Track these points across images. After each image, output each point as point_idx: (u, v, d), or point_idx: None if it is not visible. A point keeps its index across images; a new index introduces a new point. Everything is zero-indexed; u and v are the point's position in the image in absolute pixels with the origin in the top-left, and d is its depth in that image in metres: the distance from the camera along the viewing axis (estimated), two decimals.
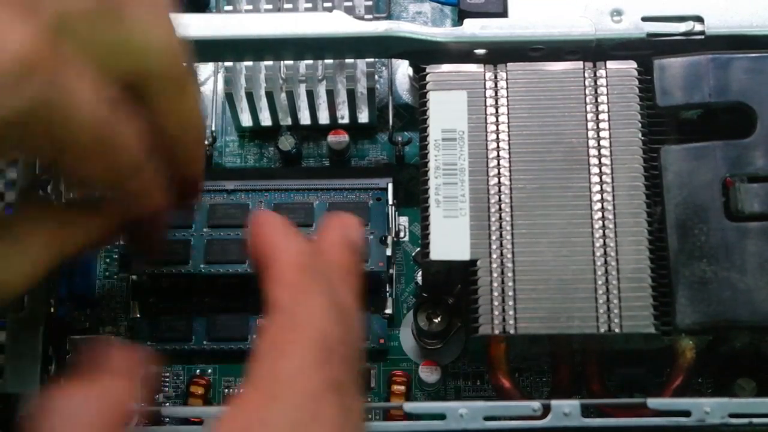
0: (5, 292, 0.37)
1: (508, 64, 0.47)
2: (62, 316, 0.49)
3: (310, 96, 0.51)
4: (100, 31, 0.35)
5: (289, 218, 0.50)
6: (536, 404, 0.42)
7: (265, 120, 0.53)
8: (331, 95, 0.51)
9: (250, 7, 0.51)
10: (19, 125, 0.32)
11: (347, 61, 0.51)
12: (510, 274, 0.44)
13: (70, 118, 0.33)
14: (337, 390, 0.33)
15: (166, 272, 0.50)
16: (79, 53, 0.34)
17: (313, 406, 0.32)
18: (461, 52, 0.47)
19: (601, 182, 0.45)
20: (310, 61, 0.51)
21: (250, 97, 0.51)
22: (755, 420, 0.42)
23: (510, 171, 0.46)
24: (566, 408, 0.42)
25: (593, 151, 0.46)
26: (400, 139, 0.53)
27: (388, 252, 0.50)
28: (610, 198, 0.45)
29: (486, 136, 0.46)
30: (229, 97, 0.52)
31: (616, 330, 0.44)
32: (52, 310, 0.48)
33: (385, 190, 0.51)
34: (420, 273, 0.50)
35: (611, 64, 0.47)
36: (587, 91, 0.46)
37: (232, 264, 0.50)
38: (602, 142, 0.46)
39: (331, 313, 0.34)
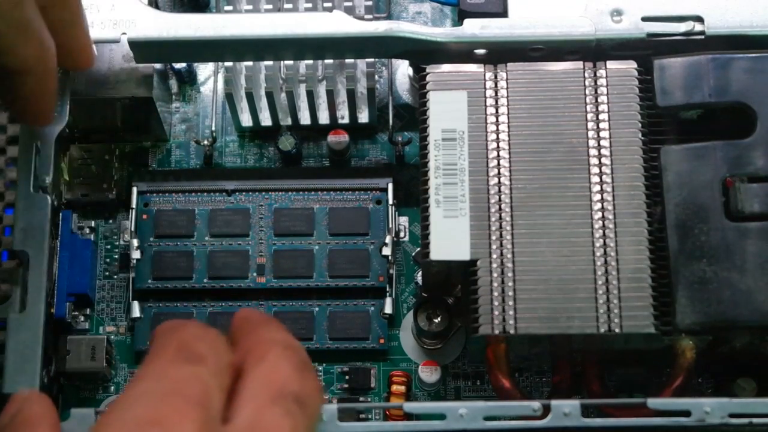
0: None
1: (508, 64, 0.47)
2: (62, 316, 0.49)
3: (310, 96, 0.51)
4: None
5: (289, 225, 0.51)
6: (536, 404, 0.42)
7: (265, 120, 0.53)
8: (331, 95, 0.51)
9: (250, 7, 0.51)
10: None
11: (347, 61, 0.51)
12: (510, 274, 0.44)
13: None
14: None
15: (171, 288, 0.50)
16: None
17: None
18: (461, 52, 0.47)
19: (601, 182, 0.45)
20: (310, 61, 0.51)
21: (250, 97, 0.51)
22: (755, 420, 0.42)
23: (510, 171, 0.46)
24: (566, 408, 0.42)
25: (593, 151, 0.46)
26: (400, 139, 0.53)
27: (388, 252, 0.50)
28: (610, 198, 0.45)
29: (486, 136, 0.46)
30: (229, 97, 0.52)
31: (616, 330, 0.44)
32: (52, 310, 0.48)
33: (385, 190, 0.51)
34: (420, 273, 0.50)
35: (611, 64, 0.47)
36: (587, 91, 0.46)
37: (235, 279, 0.50)
38: (602, 142, 0.46)
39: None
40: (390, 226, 0.51)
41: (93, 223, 0.53)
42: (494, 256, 0.45)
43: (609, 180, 0.45)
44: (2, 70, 0.38)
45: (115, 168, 0.53)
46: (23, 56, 0.38)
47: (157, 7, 0.52)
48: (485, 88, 0.47)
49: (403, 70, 0.54)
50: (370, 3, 0.51)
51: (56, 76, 0.41)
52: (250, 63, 0.51)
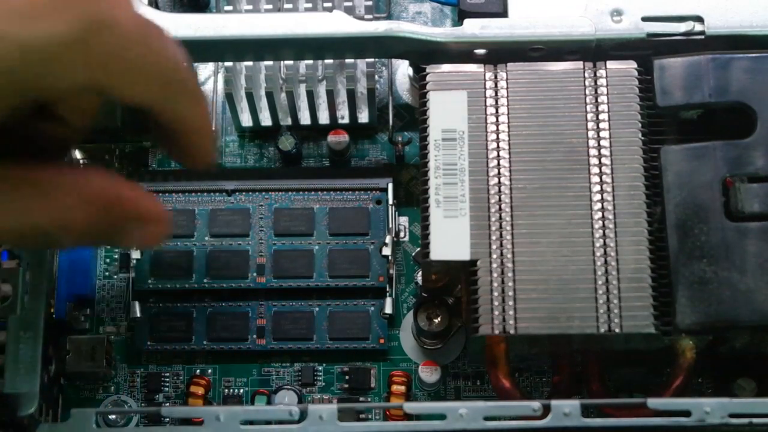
0: None
1: (508, 64, 0.47)
2: (62, 316, 0.49)
3: (310, 96, 0.51)
4: None
5: (289, 225, 0.51)
6: (536, 404, 0.42)
7: (265, 120, 0.53)
8: (331, 95, 0.51)
9: (250, 7, 0.51)
10: (73, 45, 0.33)
11: (347, 61, 0.51)
12: (510, 274, 0.44)
13: (117, 32, 0.34)
14: None
15: (170, 287, 0.50)
16: None
17: None
18: (461, 52, 0.47)
19: (601, 182, 0.45)
20: (310, 61, 0.51)
21: (250, 97, 0.51)
22: (755, 420, 0.42)
23: (510, 171, 0.46)
24: (566, 408, 0.42)
25: (593, 151, 0.46)
26: (400, 139, 0.53)
27: (388, 252, 0.50)
28: (610, 198, 0.45)
29: (486, 136, 0.46)
30: (229, 97, 0.52)
31: (616, 330, 0.44)
32: (52, 310, 0.48)
33: (385, 190, 0.51)
34: (420, 273, 0.50)
35: (611, 64, 0.47)
36: (587, 91, 0.46)
37: (235, 279, 0.50)
38: (602, 142, 0.46)
39: None
40: (390, 226, 0.51)
41: None
42: (494, 256, 0.45)
43: (609, 180, 0.45)
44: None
45: (115, 168, 0.53)
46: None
47: (157, 7, 0.52)
48: (485, 88, 0.47)
49: (403, 70, 0.54)
50: (370, 3, 0.51)
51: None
52: (250, 63, 0.51)
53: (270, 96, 0.51)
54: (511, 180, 0.45)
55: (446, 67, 0.47)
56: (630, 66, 0.46)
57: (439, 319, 0.50)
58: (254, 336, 0.50)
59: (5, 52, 0.32)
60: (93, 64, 0.34)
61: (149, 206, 0.39)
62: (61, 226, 0.36)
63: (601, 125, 0.46)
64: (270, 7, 0.51)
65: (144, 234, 0.39)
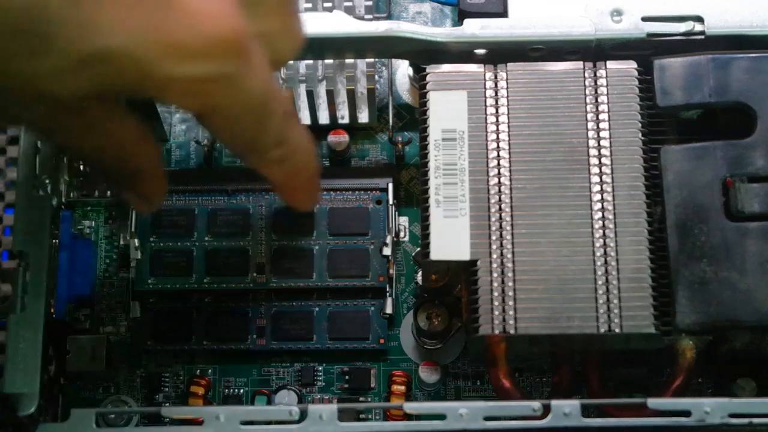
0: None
1: (508, 64, 0.47)
2: (62, 316, 0.49)
3: (310, 96, 0.51)
4: (271, 16, 0.39)
5: (289, 225, 0.51)
6: (536, 404, 0.42)
7: None
8: (331, 95, 0.51)
9: None
10: (201, 84, 0.36)
11: (347, 61, 0.51)
12: (510, 274, 0.44)
13: (243, 88, 0.37)
14: None
15: (170, 287, 0.50)
16: (256, 29, 0.37)
17: None
18: (461, 52, 0.47)
19: (601, 182, 0.45)
20: (310, 61, 0.51)
21: None
22: (755, 420, 0.42)
23: (510, 171, 0.46)
24: (566, 408, 0.42)
25: (593, 151, 0.46)
26: (400, 139, 0.53)
27: (388, 252, 0.50)
28: (610, 198, 0.45)
29: (486, 136, 0.46)
30: None
31: (616, 330, 0.44)
32: (52, 310, 0.48)
33: (385, 190, 0.51)
34: (420, 273, 0.50)
35: (611, 64, 0.47)
36: (587, 91, 0.46)
37: (235, 279, 0.50)
38: (602, 142, 0.46)
39: None
40: (390, 226, 0.51)
41: (93, 223, 0.53)
42: (494, 256, 0.45)
43: (609, 180, 0.45)
44: (123, 174, 0.42)
45: None
46: (141, 159, 0.42)
47: None
48: (485, 88, 0.47)
49: (403, 70, 0.54)
50: (370, 3, 0.51)
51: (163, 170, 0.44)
52: None
53: None
54: (511, 180, 0.45)
55: (446, 67, 0.47)
56: (630, 66, 0.46)
57: (439, 319, 0.50)
58: (254, 336, 0.50)
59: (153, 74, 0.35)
60: (210, 102, 0.37)
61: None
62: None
63: (601, 125, 0.46)
64: None
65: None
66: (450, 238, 0.45)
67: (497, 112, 0.46)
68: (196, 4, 0.35)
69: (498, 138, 0.46)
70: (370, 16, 0.51)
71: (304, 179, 0.46)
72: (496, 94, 0.47)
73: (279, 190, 0.48)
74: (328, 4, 0.51)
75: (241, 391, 0.51)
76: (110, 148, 0.40)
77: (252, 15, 0.37)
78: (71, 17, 0.32)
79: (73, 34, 0.33)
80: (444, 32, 0.47)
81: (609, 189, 0.45)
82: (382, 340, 0.50)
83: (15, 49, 0.33)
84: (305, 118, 0.53)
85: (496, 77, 0.47)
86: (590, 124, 0.46)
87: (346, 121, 0.53)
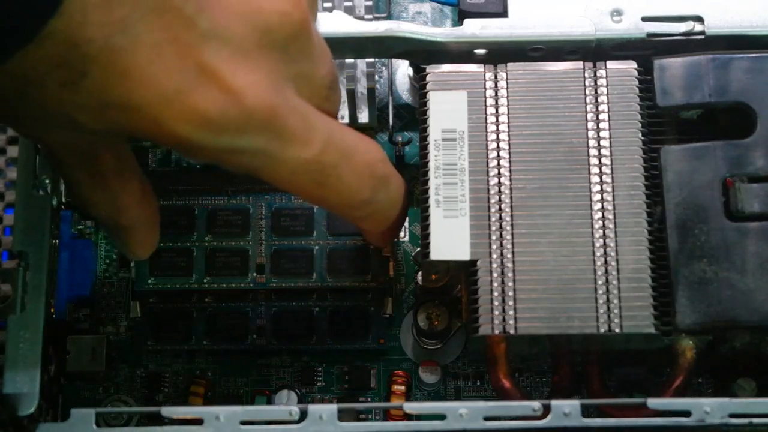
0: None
1: (508, 64, 0.47)
2: (62, 316, 0.49)
3: None
4: (309, 86, 0.39)
5: (289, 225, 0.51)
6: (536, 404, 0.42)
7: None
8: None
9: None
10: (230, 154, 0.36)
11: (347, 61, 0.51)
12: (510, 274, 0.44)
13: (282, 159, 0.37)
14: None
15: (170, 287, 0.50)
16: (297, 96, 0.38)
17: None
18: (461, 52, 0.47)
19: (601, 182, 0.45)
20: None
21: None
22: (755, 420, 0.42)
23: (510, 171, 0.46)
24: (566, 408, 0.42)
25: (593, 151, 0.46)
26: (400, 139, 0.53)
27: (388, 252, 0.50)
28: (610, 198, 0.45)
29: (486, 136, 0.46)
30: None
31: (616, 330, 0.44)
32: (52, 310, 0.48)
33: None
34: (420, 273, 0.50)
35: (611, 64, 0.47)
36: (587, 91, 0.46)
37: (235, 279, 0.50)
38: (602, 142, 0.46)
39: None
40: None
41: (93, 223, 0.53)
42: (494, 256, 0.45)
43: (609, 180, 0.45)
44: (113, 226, 0.43)
45: None
46: (135, 218, 0.42)
47: None
48: (485, 88, 0.47)
49: (403, 70, 0.54)
50: (370, 3, 0.51)
51: (158, 224, 0.45)
52: None
53: None
54: (511, 180, 0.45)
55: (446, 67, 0.47)
56: (630, 66, 0.46)
57: (439, 319, 0.50)
58: (254, 336, 0.50)
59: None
60: (252, 171, 0.38)
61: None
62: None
63: (601, 125, 0.46)
64: None
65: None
66: (450, 238, 0.45)
67: (497, 112, 0.46)
68: (233, 79, 0.34)
69: (498, 138, 0.46)
70: (370, 16, 0.51)
71: (389, 230, 0.46)
72: (496, 94, 0.47)
73: (363, 233, 0.48)
74: (328, 4, 0.51)
75: (241, 391, 0.51)
76: (106, 203, 0.41)
77: (299, 90, 0.38)
78: (107, 61, 0.33)
79: (103, 76, 0.33)
80: (444, 32, 0.47)
81: (609, 189, 0.45)
82: (382, 340, 0.50)
83: (49, 75, 0.33)
84: None
85: (496, 77, 0.47)
86: (590, 124, 0.46)
87: (346, 121, 0.53)
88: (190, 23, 0.34)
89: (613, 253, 0.44)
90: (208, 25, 0.34)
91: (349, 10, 0.50)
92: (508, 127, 0.46)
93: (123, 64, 0.33)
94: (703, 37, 0.46)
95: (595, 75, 0.46)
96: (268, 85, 0.36)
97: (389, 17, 0.54)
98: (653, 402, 0.42)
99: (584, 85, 0.46)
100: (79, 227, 0.52)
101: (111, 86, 0.33)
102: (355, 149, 0.40)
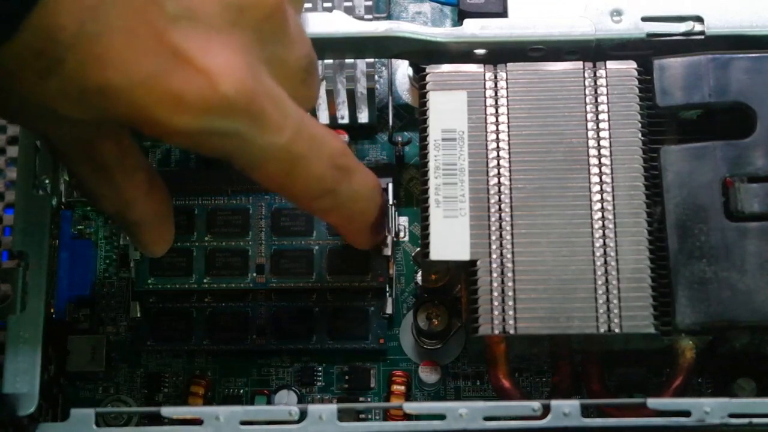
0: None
1: (508, 64, 0.47)
2: (62, 316, 0.49)
3: None
4: (283, 61, 0.38)
5: (289, 225, 0.51)
6: (536, 404, 0.42)
7: None
8: (331, 95, 0.51)
9: None
10: (206, 137, 0.36)
11: (347, 61, 0.51)
12: (510, 274, 0.44)
13: (256, 143, 0.37)
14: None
15: (170, 287, 0.50)
16: (271, 79, 0.37)
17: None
18: (461, 52, 0.47)
19: (601, 182, 0.45)
20: None
21: None
22: (755, 420, 0.42)
23: (510, 171, 0.46)
24: (566, 408, 0.42)
25: (593, 151, 0.46)
26: (400, 139, 0.53)
27: (388, 252, 0.50)
28: (610, 198, 0.45)
29: (486, 136, 0.46)
30: None
31: (616, 330, 0.44)
32: (52, 310, 0.48)
33: (385, 190, 0.51)
34: (420, 273, 0.50)
35: (611, 64, 0.47)
36: (587, 91, 0.46)
37: (235, 279, 0.50)
38: (602, 142, 0.46)
39: None
40: (390, 226, 0.50)
41: (93, 223, 0.53)
42: (494, 256, 0.45)
43: (609, 180, 0.45)
44: (123, 222, 0.43)
45: None
46: (145, 213, 0.43)
47: None
48: (485, 88, 0.47)
49: (403, 70, 0.54)
50: (370, 3, 0.51)
51: (172, 220, 0.45)
52: None
53: None
54: (511, 180, 0.45)
55: (446, 67, 0.47)
56: (630, 66, 0.46)
57: (439, 319, 0.50)
58: (254, 336, 0.50)
59: None
60: (226, 155, 0.38)
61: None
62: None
63: (601, 125, 0.46)
64: None
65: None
66: (450, 238, 0.45)
67: (497, 112, 0.46)
68: (205, 59, 0.34)
69: (498, 138, 0.46)
70: (370, 16, 0.51)
71: (359, 227, 0.45)
72: (496, 94, 0.47)
73: (336, 230, 0.48)
74: (328, 4, 0.51)
75: (241, 391, 0.51)
76: (112, 197, 0.41)
77: (273, 73, 0.37)
78: (81, 47, 0.33)
79: (78, 63, 0.33)
80: (444, 32, 0.47)
81: (609, 189, 0.45)
82: (381, 340, 0.50)
83: (27, 66, 0.33)
84: None
85: (495, 77, 0.47)
86: (590, 124, 0.46)
87: (345, 121, 0.53)
88: (160, 5, 0.34)
89: (612, 253, 0.44)
90: (178, 5, 0.34)
91: (349, 10, 0.50)
92: (508, 127, 0.46)
93: (98, 50, 0.33)
94: (702, 37, 0.46)
95: (594, 75, 0.46)
96: (243, 66, 0.35)
97: (389, 17, 0.54)
98: (653, 402, 0.42)
99: (584, 85, 0.46)
100: (79, 227, 0.52)
101: (87, 72, 0.33)
102: (321, 140, 0.40)
